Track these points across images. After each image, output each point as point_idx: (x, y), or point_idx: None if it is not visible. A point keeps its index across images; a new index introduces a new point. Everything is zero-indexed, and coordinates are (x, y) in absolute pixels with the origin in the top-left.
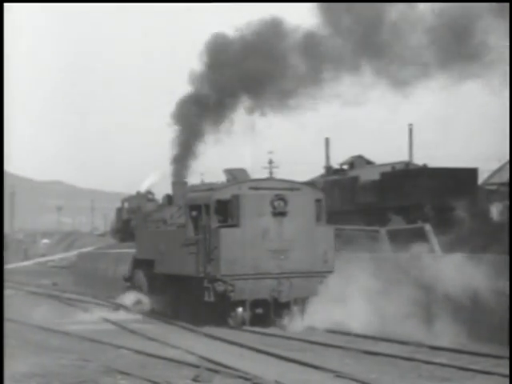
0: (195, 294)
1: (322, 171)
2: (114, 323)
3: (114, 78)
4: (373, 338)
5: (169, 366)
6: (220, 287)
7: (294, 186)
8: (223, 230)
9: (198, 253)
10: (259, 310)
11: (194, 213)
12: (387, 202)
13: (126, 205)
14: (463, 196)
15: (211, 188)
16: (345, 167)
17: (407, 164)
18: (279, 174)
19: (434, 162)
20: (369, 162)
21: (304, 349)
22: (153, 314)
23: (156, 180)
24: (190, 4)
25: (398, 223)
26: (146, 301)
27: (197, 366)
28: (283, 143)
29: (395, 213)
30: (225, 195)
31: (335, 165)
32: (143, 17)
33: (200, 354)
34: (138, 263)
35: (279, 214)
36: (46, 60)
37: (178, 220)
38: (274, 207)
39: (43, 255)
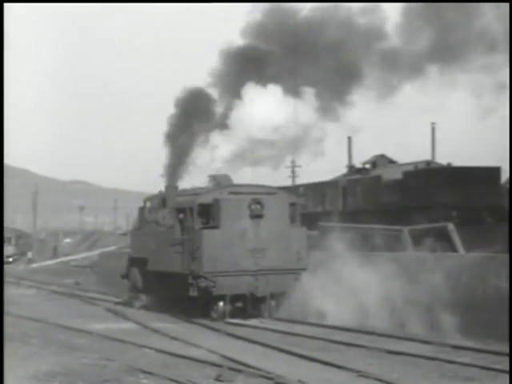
0: (182, 289)
1: (344, 170)
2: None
3: (140, 79)
4: (396, 337)
5: (191, 365)
6: (203, 283)
7: (270, 191)
8: (205, 231)
9: (183, 252)
10: (239, 304)
11: (181, 215)
12: (410, 202)
13: (149, 204)
14: (486, 195)
15: (196, 193)
16: (367, 166)
17: (429, 163)
18: (301, 172)
19: (457, 161)
20: (391, 161)
21: (327, 348)
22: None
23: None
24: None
25: (420, 222)
26: (143, 296)
27: (219, 366)
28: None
29: (418, 212)
30: (207, 199)
31: (358, 164)
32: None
33: (222, 354)
34: (133, 261)
35: (256, 216)
36: (70, 60)
37: (169, 222)
38: (251, 210)
39: (66, 254)
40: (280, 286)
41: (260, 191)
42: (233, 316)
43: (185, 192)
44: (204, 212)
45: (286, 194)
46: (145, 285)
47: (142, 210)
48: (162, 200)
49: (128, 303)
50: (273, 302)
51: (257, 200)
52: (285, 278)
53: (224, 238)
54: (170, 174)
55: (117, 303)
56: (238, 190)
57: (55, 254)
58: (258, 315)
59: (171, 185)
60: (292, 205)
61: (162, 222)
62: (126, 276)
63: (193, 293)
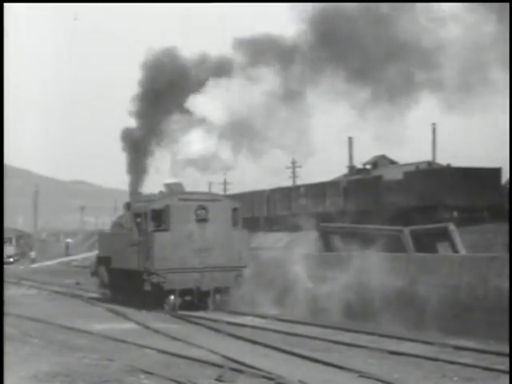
0: (139, 284)
1: (345, 171)
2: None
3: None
4: (397, 338)
5: (192, 365)
6: (155, 279)
7: (215, 198)
8: (157, 234)
9: (139, 251)
10: (188, 298)
11: (138, 219)
12: (410, 202)
13: None
14: (487, 195)
15: (150, 199)
16: (368, 167)
17: (430, 163)
18: (302, 173)
19: (458, 162)
20: (392, 162)
21: (328, 349)
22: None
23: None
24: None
25: (421, 223)
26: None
27: (220, 366)
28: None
29: (419, 212)
30: (159, 205)
31: (358, 164)
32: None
33: (223, 354)
34: (100, 260)
35: (202, 220)
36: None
37: (129, 225)
38: (197, 215)
39: (67, 255)
40: (223, 281)
41: (206, 198)
42: (182, 308)
43: (143, 198)
44: (157, 216)
45: (229, 201)
46: (110, 281)
47: None
48: (127, 205)
49: (100, 298)
50: (218, 296)
51: (202, 206)
52: (227, 275)
53: (173, 240)
54: (133, 181)
55: (90, 298)
56: (186, 197)
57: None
58: (204, 308)
59: (135, 191)
60: (234, 210)
61: (125, 225)
62: (94, 273)
63: (147, 287)
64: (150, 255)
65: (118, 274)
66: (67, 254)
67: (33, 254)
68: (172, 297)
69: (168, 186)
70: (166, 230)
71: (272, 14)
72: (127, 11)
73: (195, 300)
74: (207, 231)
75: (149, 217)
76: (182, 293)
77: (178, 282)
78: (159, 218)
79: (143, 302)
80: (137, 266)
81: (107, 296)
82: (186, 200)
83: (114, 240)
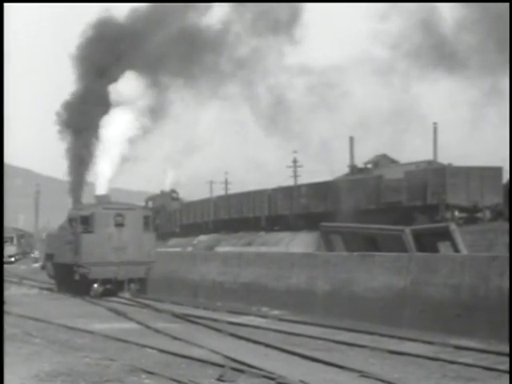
0: (71, 275)
1: (346, 170)
2: None
3: None
4: (398, 337)
5: (193, 365)
6: (82, 270)
7: (131, 207)
8: (84, 235)
9: (71, 249)
10: (108, 286)
11: (73, 223)
12: (411, 201)
13: (151, 204)
14: (488, 195)
15: (81, 208)
16: (369, 166)
17: (431, 163)
18: (303, 172)
19: (459, 161)
20: (393, 161)
21: (329, 348)
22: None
23: (175, 177)
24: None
25: (422, 222)
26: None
27: (221, 366)
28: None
29: (420, 212)
30: (86, 212)
31: (360, 164)
32: None
33: (224, 354)
34: (47, 256)
35: (119, 225)
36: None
37: (67, 227)
38: (115, 221)
39: None
40: (135, 273)
41: (123, 207)
42: (104, 295)
43: (77, 206)
44: (84, 221)
45: (142, 210)
46: (54, 273)
47: None
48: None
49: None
50: (132, 285)
51: (120, 213)
52: (138, 268)
53: (96, 240)
54: (74, 191)
55: (41, 288)
56: (108, 206)
57: None
58: (121, 294)
59: (76, 200)
60: (146, 217)
61: (67, 228)
62: (43, 267)
63: (77, 277)
64: (78, 251)
65: (59, 267)
66: None
67: (36, 253)
68: (96, 285)
69: (97, 197)
70: (91, 232)
71: None
72: None
73: (114, 288)
74: (123, 234)
75: (79, 221)
76: (103, 282)
77: (100, 273)
78: (86, 222)
79: (75, 288)
80: (70, 261)
81: (56, 286)
82: (107, 209)
83: (56, 240)
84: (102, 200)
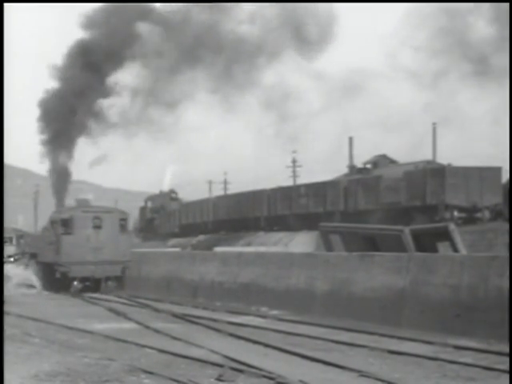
0: (53, 273)
1: (345, 170)
2: None
3: None
4: (398, 337)
5: (193, 365)
6: (62, 269)
7: (108, 210)
8: (64, 236)
9: (53, 249)
10: (87, 284)
11: (55, 225)
12: (411, 201)
13: (150, 204)
14: (487, 195)
15: (61, 211)
16: (368, 166)
17: (430, 163)
18: (302, 172)
19: (458, 161)
20: (392, 161)
21: (329, 348)
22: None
23: (172, 178)
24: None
25: (422, 222)
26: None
27: (221, 366)
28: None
29: (419, 212)
30: (66, 215)
31: (359, 164)
32: None
33: (224, 354)
34: (31, 255)
35: (97, 227)
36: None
37: (49, 229)
38: (93, 223)
39: None
40: (111, 271)
41: (101, 210)
42: (83, 291)
43: (59, 209)
44: (65, 223)
45: (119, 212)
46: (38, 271)
47: (143, 209)
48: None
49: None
50: (109, 282)
51: (97, 216)
52: (115, 267)
53: (76, 241)
54: (57, 193)
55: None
56: (87, 209)
57: None
58: (99, 291)
59: (59, 203)
60: (122, 220)
61: (49, 229)
62: (27, 266)
63: (58, 275)
64: (59, 252)
65: (42, 266)
66: None
67: None
68: (75, 282)
69: (77, 200)
70: (70, 233)
71: None
72: None
73: (92, 285)
74: (100, 235)
75: (59, 223)
76: (82, 279)
77: (79, 272)
78: (67, 224)
79: (57, 286)
80: (51, 260)
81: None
82: (86, 212)
83: (40, 240)
84: (82, 203)
